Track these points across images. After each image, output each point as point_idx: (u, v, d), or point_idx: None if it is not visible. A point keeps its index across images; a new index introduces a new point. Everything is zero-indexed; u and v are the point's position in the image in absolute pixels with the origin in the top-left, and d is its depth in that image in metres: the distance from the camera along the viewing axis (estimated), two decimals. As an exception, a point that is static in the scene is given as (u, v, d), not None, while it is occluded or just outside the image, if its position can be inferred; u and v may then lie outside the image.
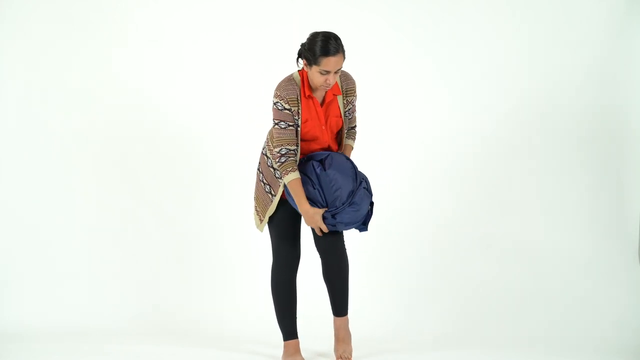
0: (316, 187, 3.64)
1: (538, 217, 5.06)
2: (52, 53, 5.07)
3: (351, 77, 3.79)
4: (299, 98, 3.66)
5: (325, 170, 3.63)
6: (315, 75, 3.59)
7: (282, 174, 3.68)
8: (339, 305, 3.92)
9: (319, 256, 3.91)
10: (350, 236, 4.18)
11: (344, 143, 3.88)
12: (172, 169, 5.11)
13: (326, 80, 3.58)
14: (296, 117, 3.66)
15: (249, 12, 5.18)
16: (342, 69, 3.64)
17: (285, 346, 3.92)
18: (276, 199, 3.77)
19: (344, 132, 3.85)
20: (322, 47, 3.53)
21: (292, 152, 3.66)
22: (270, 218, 3.84)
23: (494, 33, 5.14)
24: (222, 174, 5.13)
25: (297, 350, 3.91)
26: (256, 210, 3.88)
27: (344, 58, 3.59)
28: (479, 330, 4.54)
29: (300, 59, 3.66)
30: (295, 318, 3.91)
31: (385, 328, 4.55)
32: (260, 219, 3.85)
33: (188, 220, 5.08)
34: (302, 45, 3.62)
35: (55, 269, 4.89)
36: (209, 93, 5.14)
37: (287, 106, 3.64)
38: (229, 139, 5.13)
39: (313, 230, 3.82)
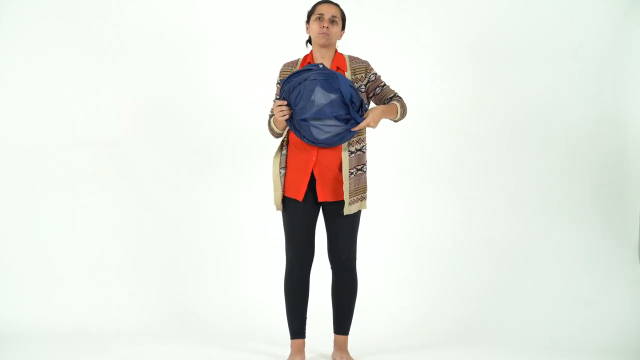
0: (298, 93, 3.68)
1: (538, 217, 5.06)
2: (51, 51, 5.05)
3: (361, 59, 3.91)
4: (295, 69, 3.85)
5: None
6: (313, 26, 3.83)
7: (270, 125, 3.88)
8: (342, 324, 3.97)
9: (330, 268, 3.97)
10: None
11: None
12: (175, 168, 5.10)
13: (321, 26, 3.78)
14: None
15: (248, 10, 5.17)
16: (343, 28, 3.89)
17: (290, 345, 3.95)
18: (276, 162, 3.86)
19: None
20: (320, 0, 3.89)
21: None
22: (284, 218, 3.89)
23: (493, 32, 5.13)
24: (226, 172, 5.12)
25: (301, 350, 3.93)
26: (274, 194, 3.92)
27: (342, 15, 3.87)
28: (479, 330, 4.55)
29: (309, 43, 3.92)
30: (304, 318, 3.94)
31: (386, 328, 4.56)
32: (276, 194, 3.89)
33: (191, 219, 5.07)
34: None
35: (55, 269, 4.89)
36: (210, 93, 5.13)
37: (279, 79, 3.90)
38: (231, 135, 5.13)
39: (328, 241, 3.91)
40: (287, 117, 3.70)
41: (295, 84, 3.65)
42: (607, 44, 5.05)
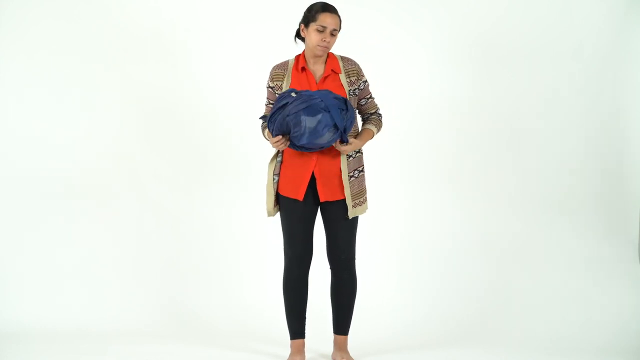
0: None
1: (538, 217, 5.05)
2: (51, 51, 5.05)
3: (352, 60, 3.90)
4: (287, 72, 3.83)
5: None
6: (312, 35, 3.76)
7: (263, 133, 3.90)
8: (342, 324, 3.97)
9: (329, 268, 3.97)
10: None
11: (363, 127, 3.93)
12: (175, 168, 5.10)
13: (322, 39, 3.73)
14: (278, 92, 3.82)
15: (248, 10, 5.17)
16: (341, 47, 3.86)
17: (290, 345, 3.96)
18: (270, 174, 3.87)
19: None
20: (321, 5, 3.78)
21: None
22: (282, 217, 3.90)
23: (493, 32, 5.13)
24: (226, 172, 5.12)
25: (300, 350, 3.93)
26: (267, 198, 3.92)
27: (340, 25, 3.80)
28: (479, 330, 4.55)
29: (297, 38, 3.89)
30: (304, 318, 3.94)
31: (386, 328, 4.56)
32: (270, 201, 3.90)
33: (191, 219, 5.07)
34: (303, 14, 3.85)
35: (55, 269, 4.88)
36: (210, 93, 5.13)
37: (271, 84, 3.86)
38: (232, 136, 5.13)
39: (328, 240, 3.91)
40: (286, 146, 3.73)
41: (281, 119, 3.67)
42: (607, 44, 5.05)
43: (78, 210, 5.01)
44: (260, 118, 3.90)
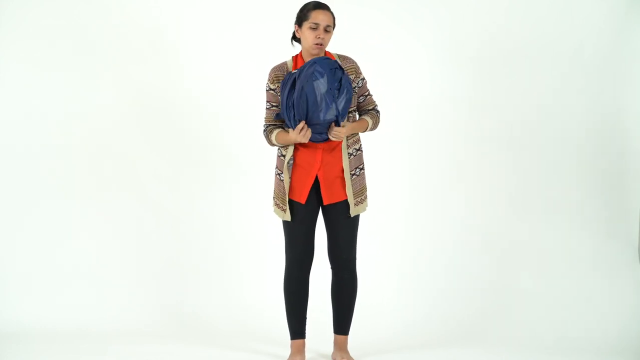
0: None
1: (538, 217, 5.05)
2: (51, 51, 5.05)
3: (350, 57, 3.89)
4: (284, 73, 3.81)
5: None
6: (306, 34, 3.76)
7: (269, 138, 3.86)
8: (342, 324, 3.97)
9: (330, 268, 3.97)
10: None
11: (359, 117, 3.93)
12: (175, 168, 5.10)
13: (317, 36, 3.72)
14: (280, 94, 3.79)
15: (246, 10, 5.17)
16: (336, 39, 3.87)
17: (290, 345, 3.96)
18: (286, 179, 3.82)
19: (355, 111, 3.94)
20: (313, 4, 3.80)
21: (273, 127, 3.90)
22: (284, 219, 3.88)
23: (494, 32, 5.13)
24: (226, 172, 5.13)
25: (301, 350, 3.93)
26: (276, 204, 3.90)
27: (334, 22, 3.81)
28: (479, 330, 4.55)
29: (293, 40, 3.88)
30: (304, 318, 3.94)
31: (386, 328, 4.56)
32: (283, 209, 3.87)
33: (191, 219, 5.07)
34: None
35: (55, 269, 4.88)
36: (211, 92, 5.13)
37: (272, 86, 3.84)
38: (231, 135, 5.13)
39: (329, 241, 3.91)
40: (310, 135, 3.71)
41: (297, 96, 3.65)
42: (607, 44, 5.05)
43: (78, 211, 5.01)
44: (266, 108, 3.89)
